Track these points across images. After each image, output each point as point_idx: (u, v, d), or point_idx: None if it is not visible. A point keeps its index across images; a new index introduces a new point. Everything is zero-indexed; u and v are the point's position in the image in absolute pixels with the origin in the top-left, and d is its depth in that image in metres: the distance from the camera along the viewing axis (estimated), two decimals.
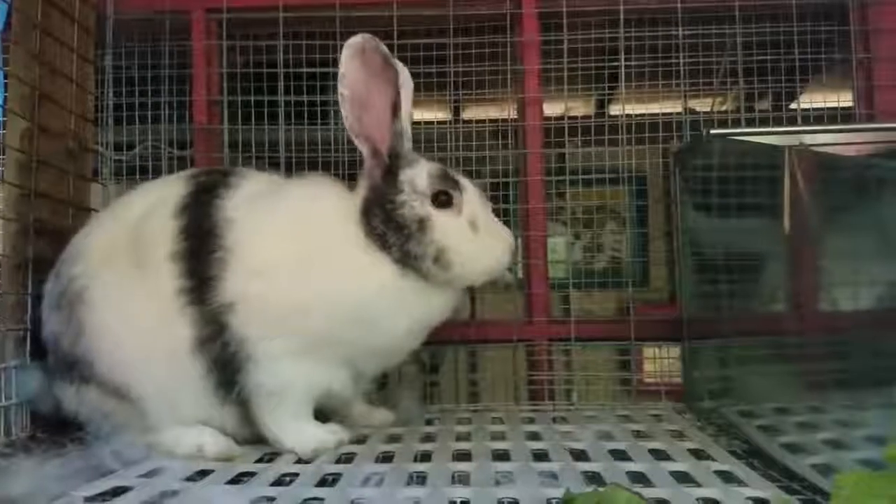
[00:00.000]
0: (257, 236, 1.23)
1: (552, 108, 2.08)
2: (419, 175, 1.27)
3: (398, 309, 1.25)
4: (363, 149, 1.28)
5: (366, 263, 1.23)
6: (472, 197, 1.29)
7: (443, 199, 1.26)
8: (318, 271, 1.21)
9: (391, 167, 1.28)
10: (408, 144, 1.32)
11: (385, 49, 1.24)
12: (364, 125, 1.26)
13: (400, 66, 1.29)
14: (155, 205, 1.29)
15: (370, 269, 1.23)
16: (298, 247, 1.22)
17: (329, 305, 1.21)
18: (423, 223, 1.24)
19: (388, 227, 1.24)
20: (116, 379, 1.22)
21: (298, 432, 1.26)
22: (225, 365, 1.21)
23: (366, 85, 1.24)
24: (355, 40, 1.23)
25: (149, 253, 1.24)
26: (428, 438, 1.35)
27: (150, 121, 2.02)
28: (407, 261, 1.23)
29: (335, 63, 1.94)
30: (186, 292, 1.21)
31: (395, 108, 1.26)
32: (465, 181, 1.31)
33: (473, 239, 1.26)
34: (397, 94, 1.26)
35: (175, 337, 1.20)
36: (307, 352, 1.22)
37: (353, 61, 1.23)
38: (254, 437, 1.29)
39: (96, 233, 1.34)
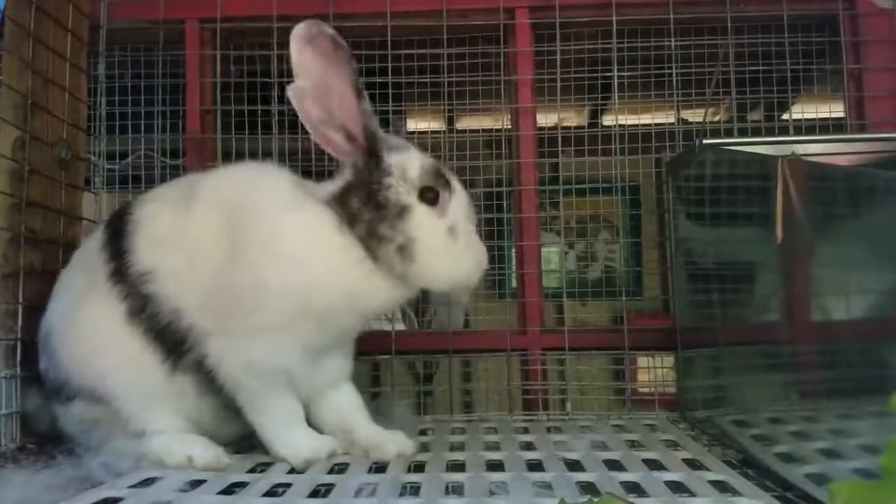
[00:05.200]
0: (159, 203, 1.26)
1: (545, 118, 2.09)
2: (411, 164, 1.23)
3: (335, 267, 1.18)
4: (338, 137, 1.22)
5: (304, 220, 1.19)
6: (459, 203, 1.25)
7: (429, 197, 1.21)
8: (244, 233, 1.17)
9: (372, 149, 1.23)
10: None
11: (331, 30, 1.18)
12: (333, 114, 1.21)
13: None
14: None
15: (308, 225, 1.19)
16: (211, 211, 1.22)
17: (261, 263, 1.15)
18: (402, 211, 1.19)
19: (366, 205, 1.19)
20: (90, 384, 1.23)
21: (291, 441, 1.24)
22: (162, 334, 1.21)
23: (324, 72, 1.18)
24: (301, 30, 1.17)
25: (91, 257, 1.28)
26: (421, 448, 1.35)
27: (142, 130, 2.02)
28: (370, 240, 1.19)
29: None
30: (113, 273, 1.23)
31: (358, 88, 1.20)
32: (457, 184, 1.27)
33: (449, 245, 1.21)
34: (355, 73, 1.19)
35: (114, 317, 1.22)
36: (242, 325, 1.17)
37: (304, 52, 1.17)
38: (215, 416, 1.28)
39: (65, 270, 1.39)
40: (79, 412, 1.25)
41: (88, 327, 1.24)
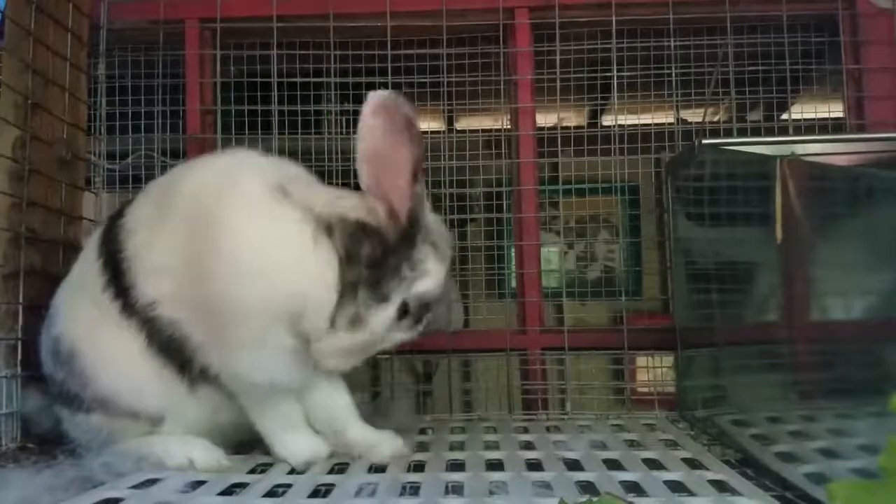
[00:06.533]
0: (141, 224, 1.24)
1: (545, 119, 2.09)
2: (427, 281, 1.19)
3: (312, 269, 1.14)
4: (380, 208, 1.17)
5: (272, 233, 1.15)
6: (406, 335, 1.23)
7: (403, 312, 1.18)
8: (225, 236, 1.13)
9: (410, 234, 1.18)
10: (427, 213, 1.22)
11: (411, 109, 1.13)
12: (380, 184, 1.16)
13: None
14: None
15: (279, 222, 1.15)
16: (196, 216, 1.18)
17: (237, 265, 1.11)
18: (386, 298, 1.17)
19: (371, 269, 1.16)
20: (103, 396, 1.22)
21: (291, 442, 1.25)
22: (169, 346, 1.20)
23: (386, 142, 1.13)
24: (379, 97, 1.11)
25: (95, 289, 1.25)
26: (421, 448, 1.35)
27: (143, 130, 2.02)
28: (348, 283, 1.15)
29: (328, 73, 1.97)
30: (122, 310, 1.21)
31: (417, 171, 1.15)
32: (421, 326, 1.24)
33: (364, 348, 1.20)
34: (420, 155, 1.14)
35: (131, 342, 1.21)
36: (222, 336, 1.16)
37: (377, 117, 1.12)
38: (234, 424, 1.28)
39: (67, 280, 1.36)
40: (97, 423, 1.25)
41: (117, 355, 1.22)
